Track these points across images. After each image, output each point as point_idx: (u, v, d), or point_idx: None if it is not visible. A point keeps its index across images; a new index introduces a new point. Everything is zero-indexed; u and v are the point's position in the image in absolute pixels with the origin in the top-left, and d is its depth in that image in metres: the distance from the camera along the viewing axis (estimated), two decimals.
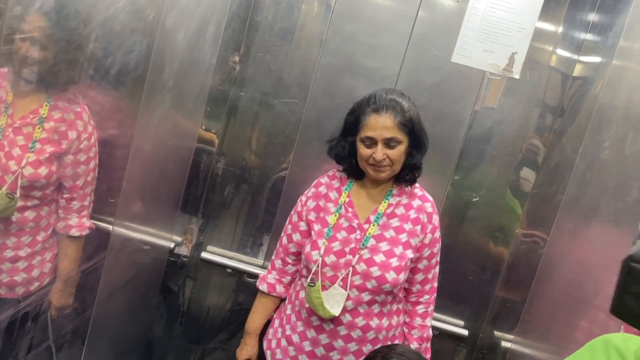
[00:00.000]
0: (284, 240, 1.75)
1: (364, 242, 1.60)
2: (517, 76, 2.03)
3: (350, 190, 1.68)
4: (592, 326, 1.72)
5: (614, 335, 0.81)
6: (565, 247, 1.87)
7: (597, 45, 1.99)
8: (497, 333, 2.15)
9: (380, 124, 1.54)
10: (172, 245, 2.22)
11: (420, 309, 1.72)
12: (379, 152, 1.54)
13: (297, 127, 2.12)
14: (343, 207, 1.65)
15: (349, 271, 1.58)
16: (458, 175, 2.09)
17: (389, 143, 1.54)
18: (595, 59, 1.99)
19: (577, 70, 2.05)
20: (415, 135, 1.58)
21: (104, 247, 1.64)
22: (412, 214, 1.64)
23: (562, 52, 2.05)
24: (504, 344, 2.11)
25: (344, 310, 1.58)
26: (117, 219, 1.59)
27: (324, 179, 1.74)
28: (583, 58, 2.03)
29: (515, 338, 2.09)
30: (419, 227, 1.63)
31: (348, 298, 1.58)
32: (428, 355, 1.74)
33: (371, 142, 1.56)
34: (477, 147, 2.08)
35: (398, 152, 1.56)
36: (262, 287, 1.77)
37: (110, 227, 1.58)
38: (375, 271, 1.56)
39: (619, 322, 1.63)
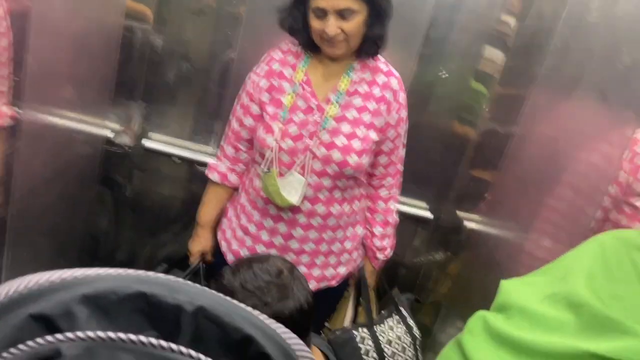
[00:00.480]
0: (234, 124, 1.57)
1: (323, 124, 1.43)
2: None
3: (307, 67, 1.48)
4: (558, 203, 1.68)
5: (628, 232, 0.72)
6: (538, 124, 1.76)
7: None
8: (460, 213, 2.11)
9: None
10: (109, 134, 2.01)
11: (383, 192, 1.62)
12: (331, 25, 1.32)
13: None
14: (299, 85, 1.46)
15: (307, 156, 1.43)
16: (427, 48, 1.89)
17: (342, 14, 1.32)
18: None
19: None
20: (375, 2, 1.35)
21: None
22: (377, 91, 1.47)
23: None
24: (467, 224, 2.07)
25: (304, 198, 1.46)
26: (26, 101, 1.34)
27: (276, 54, 1.52)
28: None
29: (479, 218, 2.05)
30: (383, 107, 1.47)
31: (307, 185, 1.45)
32: (393, 241, 1.68)
33: (322, 13, 1.33)
34: (447, 16, 1.87)
35: (354, 25, 1.34)
36: (213, 176, 1.62)
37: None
38: (336, 155, 1.42)
39: (584, 199, 1.58)
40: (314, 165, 1.43)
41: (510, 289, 0.77)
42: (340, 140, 1.43)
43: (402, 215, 1.99)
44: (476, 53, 1.91)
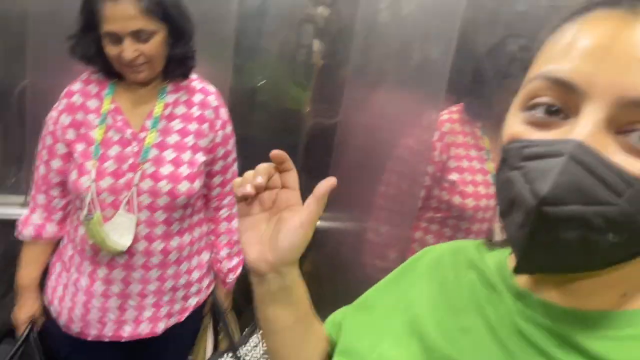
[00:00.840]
0: (42, 169, 1.39)
1: (144, 155, 1.33)
2: None
3: (114, 94, 1.36)
4: (388, 189, 1.78)
5: (464, 244, 0.70)
6: (357, 118, 1.85)
7: None
8: None
9: (120, 14, 1.20)
10: None
11: (224, 213, 1.56)
12: (128, 49, 1.23)
13: (23, 22, 1.63)
14: (109, 116, 1.34)
15: (133, 192, 1.32)
16: (239, 57, 1.87)
17: (138, 36, 1.23)
18: None
19: None
20: (172, 20, 1.28)
21: None
22: (196, 111, 1.41)
23: None
24: None
25: (137, 237, 1.34)
26: None
27: (76, 86, 1.37)
28: None
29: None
30: (206, 126, 1.41)
31: (139, 222, 1.34)
32: (242, 258, 1.64)
33: (116, 38, 1.23)
34: (254, 23, 1.87)
35: (153, 46, 1.26)
36: (27, 231, 1.42)
37: None
38: (164, 186, 1.33)
39: (409, 181, 1.70)
40: (142, 200, 1.33)
41: (352, 329, 0.70)
42: (167, 169, 1.34)
43: None
44: (289, 56, 1.95)
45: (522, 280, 0.56)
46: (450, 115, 1.64)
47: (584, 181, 0.42)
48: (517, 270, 0.49)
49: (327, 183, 0.63)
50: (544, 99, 0.48)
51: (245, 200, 0.65)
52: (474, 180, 1.64)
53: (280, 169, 0.66)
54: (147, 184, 1.32)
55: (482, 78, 1.50)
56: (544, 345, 0.51)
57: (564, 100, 0.47)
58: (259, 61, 1.92)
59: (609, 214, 0.42)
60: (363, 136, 1.81)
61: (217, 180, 1.51)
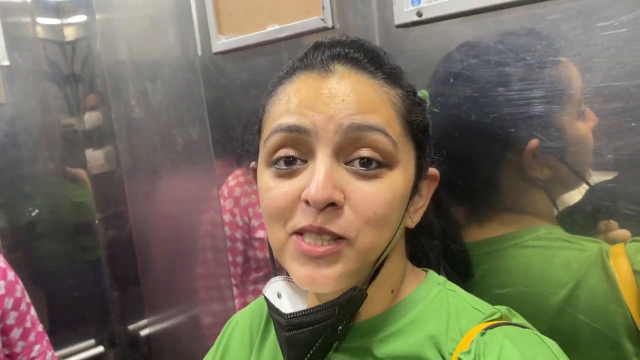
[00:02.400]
0: None
1: None
2: (6, 62, 1.72)
3: None
4: (207, 267, 1.77)
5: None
6: (147, 215, 1.81)
7: (74, 4, 1.86)
8: (130, 327, 2.00)
9: None
10: None
11: None
12: None
13: None
14: None
15: None
16: (1, 197, 1.71)
17: None
18: (81, 18, 1.87)
19: (69, 34, 1.89)
20: None
21: None
22: None
23: (44, 20, 1.83)
24: (142, 332, 1.99)
25: None
26: None
27: None
28: (68, 20, 1.87)
29: (148, 321, 1.99)
30: None
31: None
32: None
33: None
34: (5, 154, 1.73)
35: None
36: None
37: None
38: None
39: (223, 252, 1.72)
40: None
41: None
42: None
43: None
44: (56, 172, 1.84)
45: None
46: (237, 180, 1.70)
47: (306, 339, 0.57)
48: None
49: None
50: (282, 152, 0.57)
51: None
52: None
53: None
54: None
55: (243, 143, 1.60)
56: None
57: (299, 149, 0.56)
58: (25, 192, 1.77)
59: (333, 328, 0.57)
60: (160, 228, 1.78)
61: (15, 334, 1.34)
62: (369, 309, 0.61)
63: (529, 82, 0.69)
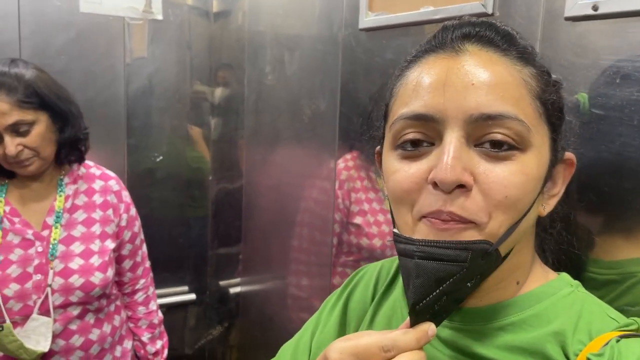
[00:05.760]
0: None
1: (52, 253, 1.28)
2: (159, 17, 1.87)
3: (7, 195, 1.31)
4: (302, 242, 1.84)
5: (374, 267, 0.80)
6: (259, 179, 1.90)
7: None
8: (222, 283, 2.12)
9: None
10: None
11: (139, 297, 1.52)
12: (10, 145, 1.20)
13: None
14: (5, 219, 1.28)
15: (46, 293, 1.26)
16: (133, 138, 1.87)
17: (16, 130, 1.21)
18: None
19: (216, 6, 2.01)
20: (52, 106, 1.27)
21: None
22: (98, 198, 1.39)
23: None
24: (232, 290, 2.10)
25: (53, 337, 1.27)
26: None
27: None
28: None
29: (240, 280, 2.10)
30: (110, 211, 1.40)
31: (54, 322, 1.27)
32: (165, 339, 1.59)
33: None
34: (142, 102, 1.89)
35: (37, 136, 1.24)
36: None
37: None
38: (76, 280, 1.28)
39: (319, 231, 1.77)
40: (54, 300, 1.27)
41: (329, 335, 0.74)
42: (76, 263, 1.29)
43: (167, 308, 1.92)
44: (181, 127, 1.98)
45: None
46: (345, 163, 1.74)
47: (434, 271, 0.52)
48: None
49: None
50: (408, 136, 0.57)
51: None
52: (376, 221, 1.74)
53: None
54: (57, 283, 1.27)
55: (369, 123, 1.63)
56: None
57: (425, 132, 0.56)
58: (153, 139, 1.92)
59: (463, 276, 0.52)
60: (268, 195, 1.87)
61: (127, 264, 1.48)
62: (491, 296, 0.60)
63: None
